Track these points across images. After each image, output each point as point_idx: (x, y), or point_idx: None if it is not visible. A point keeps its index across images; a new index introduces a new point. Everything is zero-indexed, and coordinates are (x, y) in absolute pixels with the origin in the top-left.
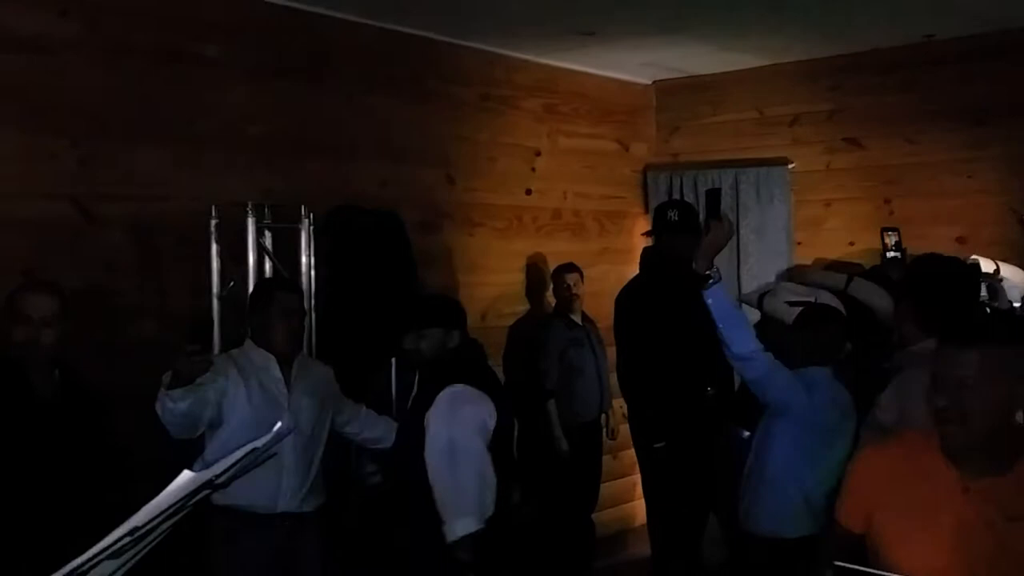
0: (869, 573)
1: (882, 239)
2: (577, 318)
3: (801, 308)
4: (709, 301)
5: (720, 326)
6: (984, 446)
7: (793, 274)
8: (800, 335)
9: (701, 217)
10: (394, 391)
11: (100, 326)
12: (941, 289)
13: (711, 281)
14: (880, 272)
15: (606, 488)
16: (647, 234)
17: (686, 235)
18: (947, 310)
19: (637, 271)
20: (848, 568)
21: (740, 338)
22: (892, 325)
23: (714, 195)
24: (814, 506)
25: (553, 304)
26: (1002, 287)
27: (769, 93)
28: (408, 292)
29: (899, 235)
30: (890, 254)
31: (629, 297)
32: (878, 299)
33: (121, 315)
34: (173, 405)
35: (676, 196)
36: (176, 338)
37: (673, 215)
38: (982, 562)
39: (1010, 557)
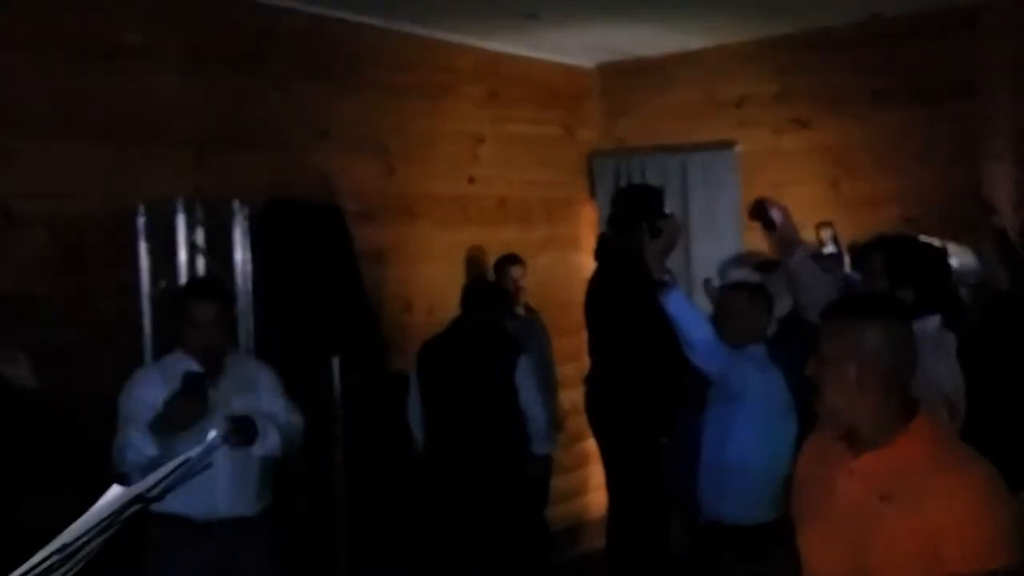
0: None
1: (817, 235)
2: (520, 310)
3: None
4: (670, 308)
5: (684, 330)
6: (863, 421)
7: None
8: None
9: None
10: (337, 391)
11: (22, 330)
12: (915, 275)
13: (669, 286)
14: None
15: (559, 482)
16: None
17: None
18: (918, 296)
19: (586, 259)
20: None
21: (703, 337)
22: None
23: (656, 194)
24: (777, 488)
25: None
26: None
27: (715, 75)
28: (349, 287)
29: (834, 228)
30: (827, 250)
31: (603, 294)
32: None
33: (45, 319)
34: (143, 448)
35: (623, 182)
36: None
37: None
38: (860, 545)
39: (882, 538)
